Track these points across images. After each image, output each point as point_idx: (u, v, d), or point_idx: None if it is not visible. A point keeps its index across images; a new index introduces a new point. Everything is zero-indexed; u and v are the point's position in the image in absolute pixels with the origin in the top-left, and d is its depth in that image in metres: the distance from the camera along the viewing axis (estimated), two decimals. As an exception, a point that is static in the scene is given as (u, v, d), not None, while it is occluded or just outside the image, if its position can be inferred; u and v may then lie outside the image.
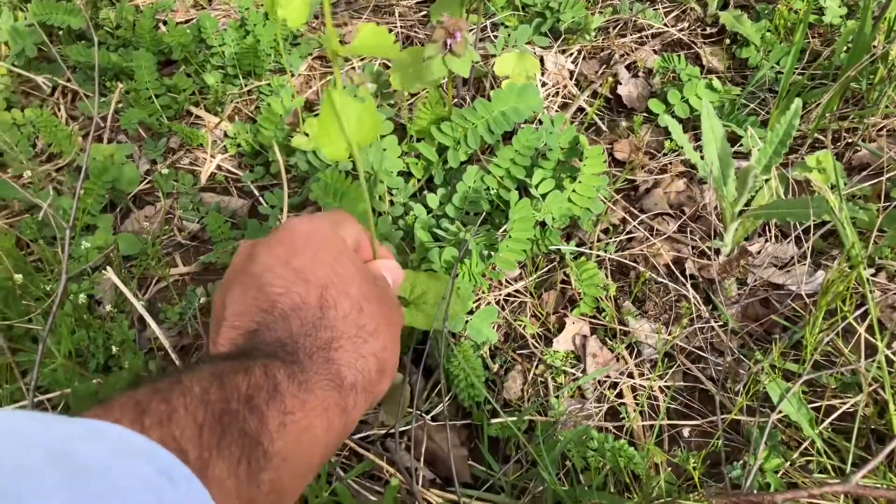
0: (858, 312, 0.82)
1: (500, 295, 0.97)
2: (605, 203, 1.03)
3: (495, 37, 1.29)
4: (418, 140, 1.06)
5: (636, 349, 0.91)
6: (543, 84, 1.24)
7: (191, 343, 0.96)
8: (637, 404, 0.86)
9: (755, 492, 0.71)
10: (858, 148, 1.06)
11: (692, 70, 1.18)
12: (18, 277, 0.89)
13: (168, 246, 1.10)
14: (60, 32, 1.34)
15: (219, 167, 1.20)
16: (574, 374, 0.89)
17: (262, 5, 1.33)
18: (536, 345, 0.92)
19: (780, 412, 0.77)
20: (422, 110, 1.05)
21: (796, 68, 1.15)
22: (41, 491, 0.22)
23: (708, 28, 1.30)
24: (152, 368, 0.91)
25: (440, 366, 0.84)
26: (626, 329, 0.92)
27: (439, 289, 0.83)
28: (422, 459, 0.82)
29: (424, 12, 1.42)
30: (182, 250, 1.10)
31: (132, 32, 1.34)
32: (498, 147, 1.00)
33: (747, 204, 0.92)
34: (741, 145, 1.08)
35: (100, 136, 1.22)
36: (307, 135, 1.06)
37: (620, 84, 1.21)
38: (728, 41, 1.25)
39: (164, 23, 1.41)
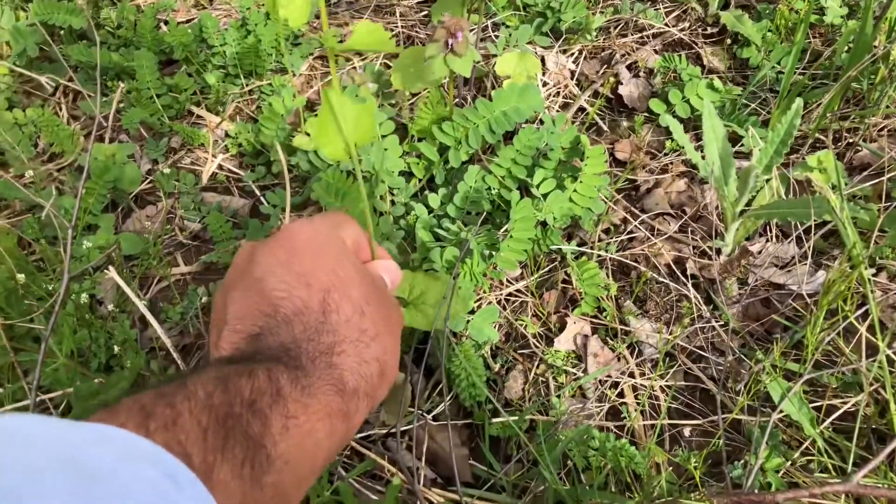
0: (859, 312, 0.82)
1: (502, 294, 0.97)
2: (606, 203, 1.03)
3: (496, 36, 1.29)
4: (419, 140, 1.06)
5: (637, 349, 0.91)
6: (544, 84, 1.24)
7: (192, 342, 0.96)
8: (638, 404, 0.86)
9: (756, 491, 0.71)
10: (859, 148, 1.06)
11: (693, 70, 1.18)
12: (21, 277, 0.89)
13: (169, 245, 1.10)
14: (62, 32, 1.35)
15: (220, 167, 1.20)
16: (575, 374, 0.89)
17: (263, 5, 1.33)
18: (538, 344, 0.92)
19: (782, 412, 0.78)
20: (423, 110, 1.05)
21: (797, 68, 1.15)
22: (45, 492, 0.22)
23: (709, 28, 1.31)
24: (154, 368, 0.91)
25: (441, 365, 0.84)
26: (627, 329, 0.92)
27: (438, 289, 0.84)
28: (423, 459, 0.82)
29: (425, 12, 1.42)
30: (183, 250, 1.10)
31: (133, 32, 1.34)
32: (499, 147, 1.00)
33: (748, 204, 0.92)
34: (742, 145, 1.09)
35: (101, 135, 1.22)
36: (308, 134, 1.06)
37: (621, 84, 1.21)
38: (729, 41, 1.25)
39: (166, 22, 1.41)
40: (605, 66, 1.27)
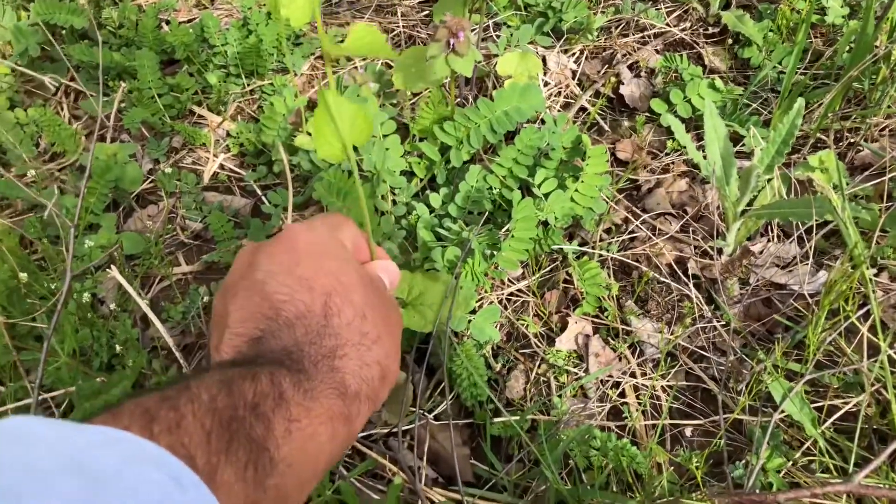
0: (861, 312, 0.82)
1: (503, 294, 0.97)
2: (607, 203, 1.03)
3: (497, 36, 1.29)
4: (421, 139, 1.06)
5: (638, 349, 0.91)
6: (546, 84, 1.24)
7: (194, 342, 0.97)
8: (639, 404, 0.86)
9: (757, 491, 0.71)
10: (861, 148, 1.06)
11: (694, 70, 1.18)
12: (23, 276, 0.89)
13: (171, 245, 1.10)
14: (63, 32, 1.35)
15: (221, 166, 1.20)
16: (576, 374, 0.89)
17: (264, 5, 1.33)
18: (539, 344, 0.92)
19: (783, 412, 0.78)
20: (424, 110, 1.05)
21: (798, 68, 1.15)
22: (49, 493, 0.22)
23: (710, 28, 1.31)
24: (156, 367, 0.91)
25: (443, 365, 0.84)
26: (628, 328, 0.92)
27: (437, 289, 0.84)
28: (424, 458, 0.82)
29: (427, 12, 1.43)
30: (185, 249, 1.10)
31: (135, 32, 1.34)
32: (500, 146, 1.00)
33: (750, 204, 0.92)
34: (743, 145, 1.09)
35: (103, 135, 1.22)
36: (310, 134, 1.06)
37: (623, 84, 1.21)
38: (730, 41, 1.25)
39: (167, 22, 1.41)
40: (607, 65, 1.27)
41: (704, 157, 0.93)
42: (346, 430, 0.37)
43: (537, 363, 0.90)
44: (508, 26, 1.31)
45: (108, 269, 0.98)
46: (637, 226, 1.02)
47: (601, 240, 1.01)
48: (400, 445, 0.81)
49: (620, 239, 1.02)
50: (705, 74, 1.21)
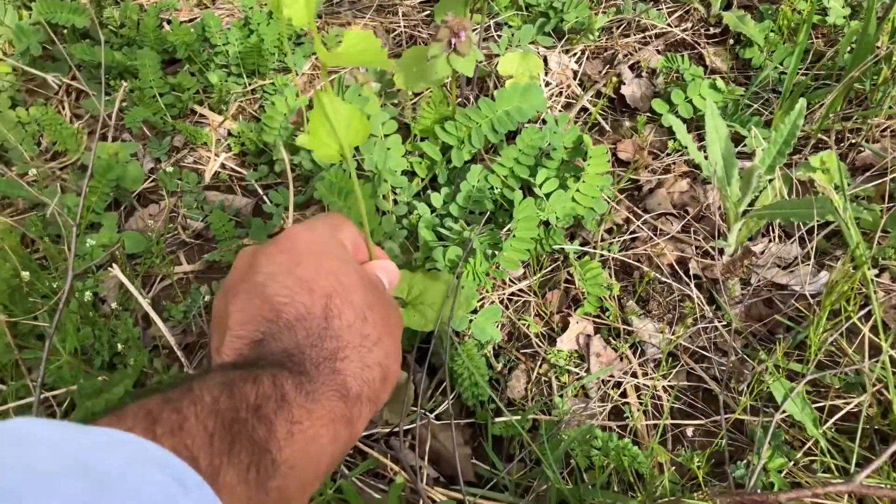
0: (862, 313, 0.82)
1: (504, 294, 0.97)
2: (608, 203, 1.03)
3: (499, 36, 1.29)
4: (422, 139, 1.07)
5: (640, 349, 0.91)
6: (547, 84, 1.24)
7: (195, 341, 0.97)
8: (641, 404, 0.86)
9: (759, 491, 0.71)
10: (862, 148, 1.06)
11: (696, 70, 1.18)
12: (25, 274, 0.90)
13: (172, 244, 1.10)
14: (65, 31, 1.35)
15: (223, 166, 1.20)
16: (578, 374, 0.89)
17: (265, 4, 1.33)
18: (540, 344, 0.92)
19: (784, 412, 0.78)
20: (426, 109, 1.05)
21: (800, 69, 1.15)
22: (53, 494, 0.22)
23: (711, 28, 1.31)
24: (157, 366, 0.91)
25: (444, 364, 0.84)
26: (629, 328, 0.92)
27: (437, 289, 0.84)
28: (426, 458, 0.82)
29: (428, 12, 1.43)
30: (186, 248, 1.10)
31: (136, 31, 1.34)
32: (502, 146, 1.00)
33: (751, 204, 0.92)
34: (745, 145, 1.09)
35: (104, 134, 1.22)
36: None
37: (624, 84, 1.21)
38: (731, 41, 1.25)
39: (168, 22, 1.41)
40: (608, 66, 1.27)
41: (706, 158, 0.93)
42: (347, 432, 0.37)
43: (538, 363, 0.90)
44: (510, 26, 1.31)
45: (109, 268, 0.98)
46: (638, 226, 1.02)
47: (602, 240, 1.01)
48: (401, 445, 0.81)
49: (622, 239, 1.02)
50: (707, 75, 1.21)
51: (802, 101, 0.86)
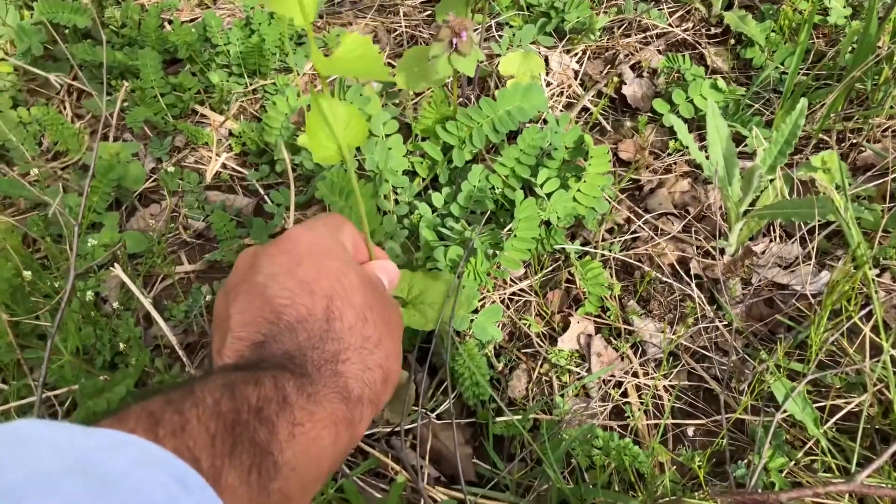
0: (863, 313, 0.82)
1: (505, 294, 0.97)
2: (609, 202, 1.03)
3: (500, 36, 1.29)
4: (423, 139, 1.07)
5: (641, 348, 0.91)
6: (548, 84, 1.24)
7: (196, 340, 0.97)
8: (642, 403, 0.86)
9: (760, 491, 0.71)
10: (863, 148, 1.06)
11: (697, 70, 1.18)
12: (27, 274, 0.90)
13: (173, 244, 1.10)
14: (66, 31, 1.35)
15: (224, 166, 1.20)
16: (579, 373, 0.89)
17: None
18: (541, 344, 0.92)
19: (785, 411, 0.78)
20: (427, 109, 1.05)
21: (801, 69, 1.15)
22: (55, 495, 0.23)
23: (712, 28, 1.31)
24: (158, 365, 0.91)
25: (445, 364, 0.84)
26: (630, 328, 0.92)
27: (437, 288, 0.84)
28: (427, 457, 0.82)
29: (429, 11, 1.43)
30: (187, 248, 1.10)
31: (138, 31, 1.35)
32: (503, 146, 1.00)
33: (752, 204, 0.92)
34: (746, 145, 1.09)
35: (106, 134, 1.22)
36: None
37: (625, 84, 1.21)
38: (732, 41, 1.25)
39: (170, 22, 1.41)
40: (609, 66, 1.27)
41: (707, 158, 0.93)
42: (348, 434, 0.37)
43: (539, 363, 0.90)
44: (511, 26, 1.31)
45: (111, 268, 0.99)
46: (639, 226, 1.02)
47: (603, 239, 1.01)
48: (402, 444, 0.81)
49: (623, 239, 1.02)
50: (707, 75, 1.21)
51: (803, 101, 0.86)
